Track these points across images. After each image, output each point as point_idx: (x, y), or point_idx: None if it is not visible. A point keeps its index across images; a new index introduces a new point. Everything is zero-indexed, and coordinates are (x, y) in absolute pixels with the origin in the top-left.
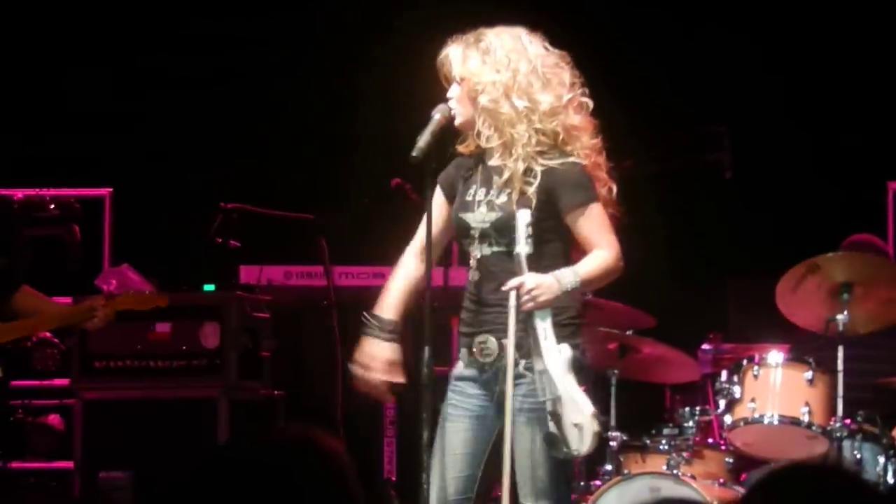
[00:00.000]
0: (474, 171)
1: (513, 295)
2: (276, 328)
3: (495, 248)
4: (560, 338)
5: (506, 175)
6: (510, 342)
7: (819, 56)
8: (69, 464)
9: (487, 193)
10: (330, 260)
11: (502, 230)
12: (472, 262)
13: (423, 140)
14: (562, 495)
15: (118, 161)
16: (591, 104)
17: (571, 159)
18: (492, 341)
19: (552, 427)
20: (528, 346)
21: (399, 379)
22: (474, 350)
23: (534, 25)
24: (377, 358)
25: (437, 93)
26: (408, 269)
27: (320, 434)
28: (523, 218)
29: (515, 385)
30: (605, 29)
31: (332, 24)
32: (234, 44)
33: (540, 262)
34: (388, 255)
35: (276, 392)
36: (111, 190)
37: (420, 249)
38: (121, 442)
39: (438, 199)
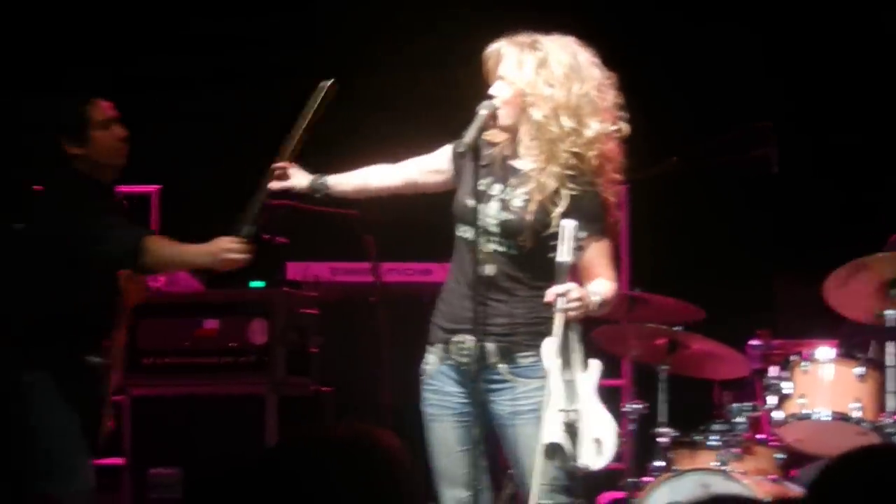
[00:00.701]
0: (493, 163)
1: (560, 300)
2: (324, 324)
3: (496, 248)
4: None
5: (530, 185)
6: (553, 345)
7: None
8: (119, 460)
9: (503, 191)
10: (376, 256)
11: (510, 233)
12: (478, 255)
13: (469, 135)
14: (574, 487)
15: (165, 158)
16: (627, 130)
17: (595, 190)
18: (469, 341)
19: (561, 438)
20: (507, 352)
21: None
22: (451, 348)
23: (567, 25)
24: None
25: (485, 90)
26: (380, 171)
27: (379, 432)
28: (570, 227)
29: (498, 391)
30: (653, 23)
31: (408, 22)
32: (283, 42)
33: (545, 280)
34: (435, 251)
35: (323, 388)
36: (159, 187)
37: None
38: (170, 438)
39: (441, 157)
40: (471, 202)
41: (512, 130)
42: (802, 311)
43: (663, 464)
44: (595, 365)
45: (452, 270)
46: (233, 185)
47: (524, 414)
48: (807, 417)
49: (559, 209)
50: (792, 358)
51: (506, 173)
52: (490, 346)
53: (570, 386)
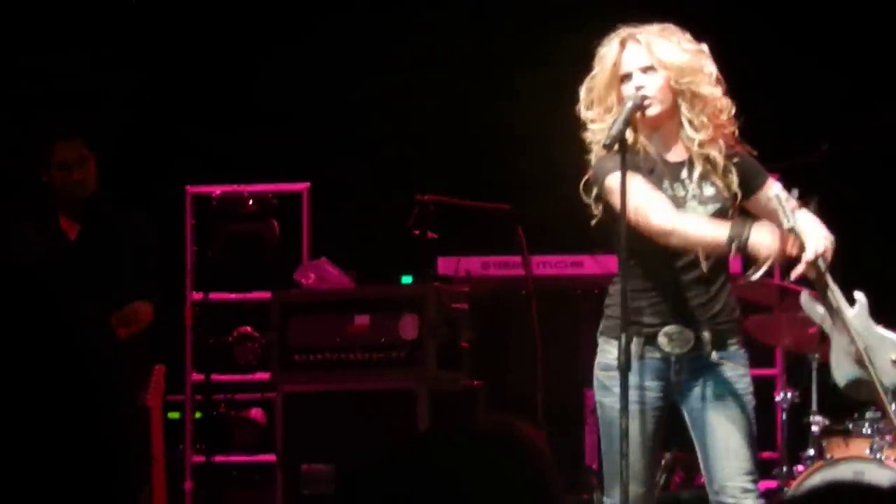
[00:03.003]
0: (655, 166)
1: (821, 260)
2: (475, 318)
3: None
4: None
5: (706, 167)
6: (838, 298)
7: None
8: (272, 457)
9: (685, 188)
10: (528, 249)
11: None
12: (685, 256)
13: (616, 128)
14: None
15: (315, 155)
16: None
17: (738, 150)
18: (687, 332)
19: (861, 373)
20: (721, 338)
21: None
22: (661, 340)
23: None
24: None
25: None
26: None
27: (518, 424)
28: (777, 193)
29: (706, 377)
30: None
31: (534, 16)
32: (430, 35)
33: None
34: (586, 244)
35: (475, 382)
36: (309, 184)
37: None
38: (322, 434)
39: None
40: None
41: (658, 121)
42: None
43: (816, 452)
44: (861, 297)
45: (642, 273)
46: (382, 181)
47: (731, 397)
48: None
49: (734, 177)
50: None
51: (672, 171)
52: (706, 335)
53: (854, 321)
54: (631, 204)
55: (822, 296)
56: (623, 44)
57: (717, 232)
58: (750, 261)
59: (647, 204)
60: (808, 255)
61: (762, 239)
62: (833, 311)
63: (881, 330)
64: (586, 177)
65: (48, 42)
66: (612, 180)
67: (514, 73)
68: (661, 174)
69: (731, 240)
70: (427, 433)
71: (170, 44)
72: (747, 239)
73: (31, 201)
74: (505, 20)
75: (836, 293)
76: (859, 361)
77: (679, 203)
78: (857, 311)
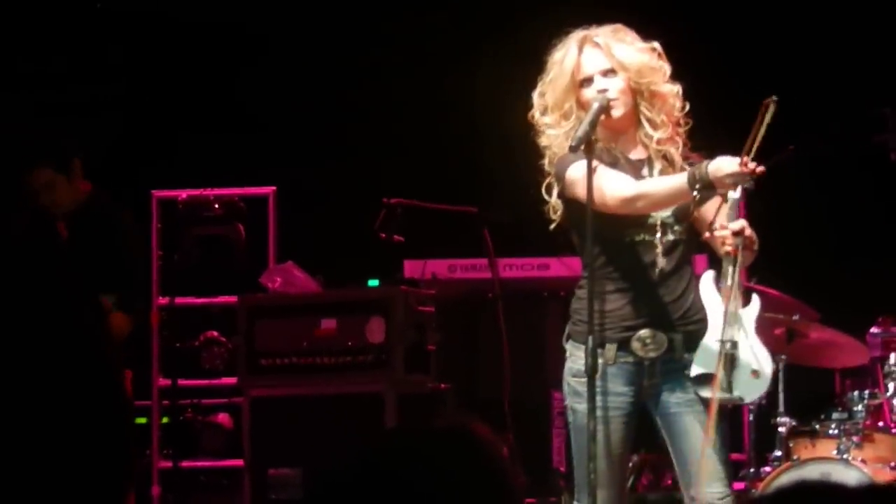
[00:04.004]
0: (618, 161)
1: (737, 239)
2: (442, 322)
3: (670, 237)
4: None
5: (664, 165)
6: (724, 279)
7: None
8: (239, 462)
9: None
10: (494, 252)
11: (681, 218)
12: (656, 253)
13: (582, 129)
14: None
15: (281, 159)
16: None
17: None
18: (660, 335)
19: (717, 369)
20: (693, 340)
21: None
22: (634, 344)
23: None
24: None
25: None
26: None
27: (474, 424)
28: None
29: (678, 379)
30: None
31: (516, 22)
32: (397, 39)
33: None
34: (552, 246)
35: (442, 385)
36: (275, 188)
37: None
38: (289, 439)
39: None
40: None
41: (621, 122)
42: None
43: (783, 453)
44: (756, 300)
45: (609, 275)
46: (348, 186)
47: (703, 399)
48: None
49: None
50: None
51: (634, 167)
52: (678, 338)
53: (731, 317)
54: (595, 185)
55: (724, 281)
56: (581, 47)
57: (678, 180)
58: (722, 263)
59: (609, 179)
60: (727, 231)
61: (720, 164)
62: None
63: (757, 340)
64: (547, 180)
65: (15, 51)
66: (574, 171)
67: (480, 75)
68: (624, 170)
69: (691, 177)
70: (386, 434)
71: (136, 50)
72: (706, 170)
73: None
74: (473, 22)
75: (736, 286)
76: (727, 356)
77: None
78: (748, 311)
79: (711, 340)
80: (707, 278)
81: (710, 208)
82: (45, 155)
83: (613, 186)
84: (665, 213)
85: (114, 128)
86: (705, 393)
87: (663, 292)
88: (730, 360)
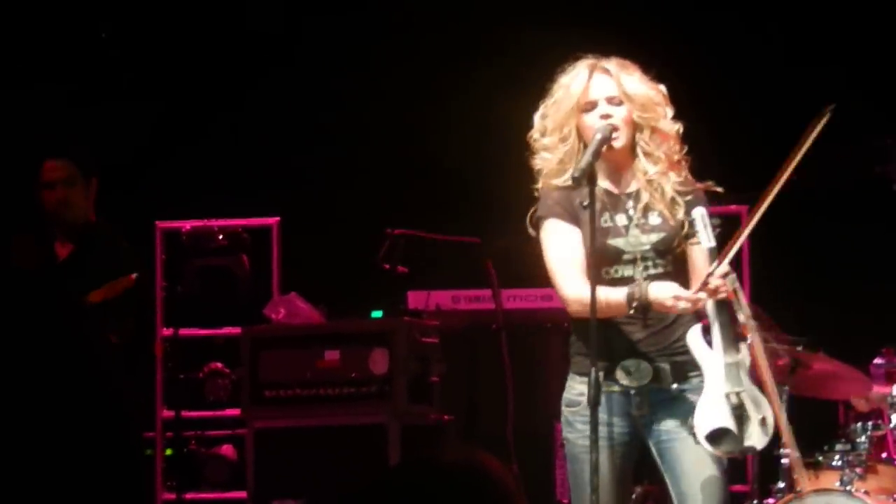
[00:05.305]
0: (595, 199)
1: (731, 278)
2: (445, 353)
3: (652, 271)
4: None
5: (652, 198)
6: (711, 331)
7: None
8: (242, 493)
9: (629, 218)
10: (498, 283)
11: (664, 251)
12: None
13: (585, 160)
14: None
15: (285, 190)
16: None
17: (694, 187)
18: (644, 365)
19: (730, 424)
20: (681, 370)
21: None
22: (618, 374)
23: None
24: None
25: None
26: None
27: (484, 457)
28: (702, 213)
29: (668, 409)
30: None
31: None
32: (399, 67)
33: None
34: None
35: (446, 417)
36: (279, 219)
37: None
38: (293, 470)
39: (568, 225)
40: (616, 241)
41: (620, 153)
42: None
43: (786, 485)
44: (745, 347)
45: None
46: (351, 217)
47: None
48: None
49: (681, 209)
50: None
51: (615, 201)
52: (665, 367)
53: (731, 369)
54: (547, 264)
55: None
56: (591, 72)
57: (617, 294)
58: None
59: (558, 272)
60: (710, 282)
61: (661, 291)
62: (726, 349)
63: (755, 388)
64: (532, 209)
65: (20, 76)
66: (546, 230)
67: (485, 105)
68: (603, 206)
69: (630, 297)
70: (395, 468)
71: (138, 79)
72: (646, 294)
73: (23, 219)
74: (483, 50)
75: (730, 336)
76: (735, 408)
77: (619, 233)
78: (743, 359)
79: (715, 395)
80: (694, 333)
81: (697, 254)
82: (76, 153)
83: (561, 283)
84: (644, 247)
85: (115, 157)
86: (722, 449)
87: (649, 323)
88: (740, 412)
